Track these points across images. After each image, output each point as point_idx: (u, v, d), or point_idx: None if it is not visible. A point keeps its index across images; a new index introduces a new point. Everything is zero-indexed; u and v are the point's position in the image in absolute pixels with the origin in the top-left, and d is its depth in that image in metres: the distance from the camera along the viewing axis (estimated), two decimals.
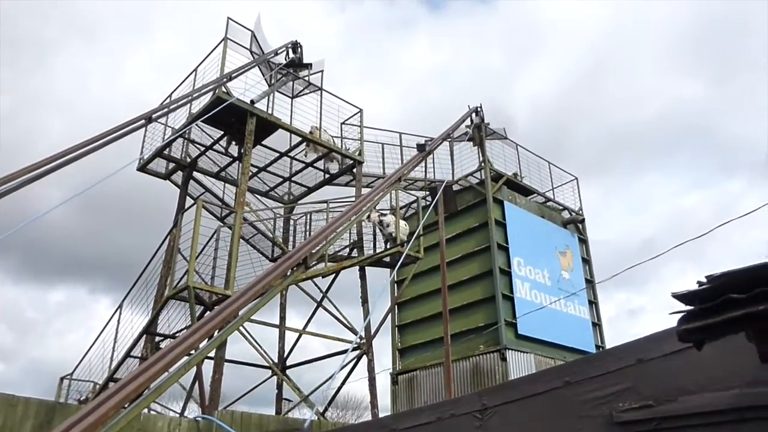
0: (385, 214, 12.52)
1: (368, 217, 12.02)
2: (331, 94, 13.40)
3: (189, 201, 12.73)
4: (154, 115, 8.99)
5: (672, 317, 2.43)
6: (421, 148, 9.94)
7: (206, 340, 4.67)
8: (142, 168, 12.88)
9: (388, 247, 12.37)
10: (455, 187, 14.81)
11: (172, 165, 13.16)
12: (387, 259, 12.60)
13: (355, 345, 11.46)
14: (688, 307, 2.22)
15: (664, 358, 3.51)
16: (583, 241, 16.52)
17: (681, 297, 2.21)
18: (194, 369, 9.73)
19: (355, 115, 13.86)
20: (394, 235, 12.17)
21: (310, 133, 12.73)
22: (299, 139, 12.70)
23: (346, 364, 11.92)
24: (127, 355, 11.32)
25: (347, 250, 13.03)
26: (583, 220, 16.63)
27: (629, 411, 3.51)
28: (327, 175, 14.06)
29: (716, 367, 3.05)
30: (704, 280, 2.20)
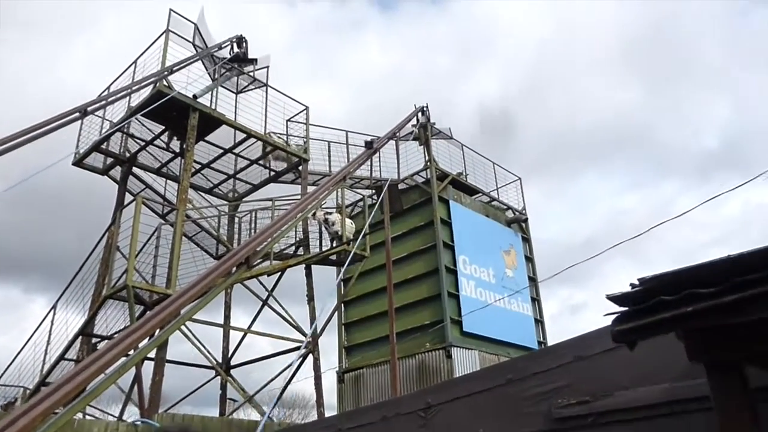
0: (330, 213, 12.51)
1: (314, 215, 12.02)
2: (276, 90, 13.30)
3: (129, 197, 12.41)
4: (89, 108, 8.69)
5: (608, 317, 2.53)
6: (368, 145, 9.98)
7: (146, 339, 4.58)
8: (78, 162, 12.44)
9: (333, 245, 12.39)
10: (401, 186, 14.87)
11: (110, 160, 12.77)
12: (333, 257, 12.60)
13: (303, 349, 11.39)
14: (622, 308, 2.32)
15: (601, 355, 3.66)
16: (527, 240, 16.84)
17: (615, 299, 2.31)
18: (133, 370, 9.55)
19: (301, 112, 13.80)
20: (339, 233, 12.21)
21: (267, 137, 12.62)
22: (243, 135, 12.54)
23: (290, 365, 11.87)
24: (61, 357, 10.96)
25: (293, 248, 12.89)
26: (526, 219, 16.92)
27: (567, 407, 3.64)
28: (272, 173, 13.96)
29: (649, 363, 3.21)
30: (637, 283, 2.30)
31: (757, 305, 1.92)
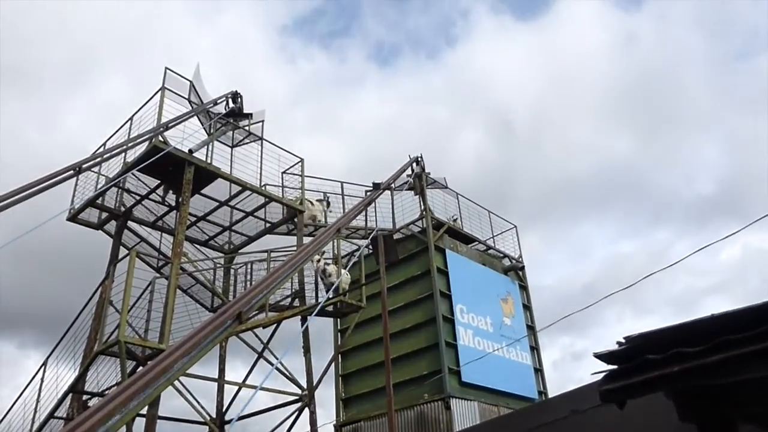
0: (328, 263, 12.49)
1: (317, 260, 12.13)
2: (271, 143, 13.41)
3: (123, 251, 12.32)
4: (84, 165, 8.75)
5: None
6: (376, 186, 10.24)
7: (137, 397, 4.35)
8: (73, 218, 12.44)
9: (330, 296, 12.12)
10: (397, 236, 14.92)
11: (105, 214, 12.80)
12: (329, 308, 12.60)
13: (299, 403, 11.14)
14: (610, 367, 2.30)
15: (596, 409, 3.60)
16: (524, 287, 16.75)
17: (602, 357, 2.28)
18: (124, 428, 9.25)
19: (296, 164, 13.89)
20: (336, 284, 12.06)
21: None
22: (239, 188, 12.61)
23: (286, 419, 11.62)
24: (51, 416, 10.70)
25: (289, 299, 12.87)
26: (523, 267, 16.88)
27: None
28: (268, 224, 13.95)
29: (642, 420, 3.16)
30: (623, 341, 2.29)
31: (743, 365, 1.90)
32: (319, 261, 12.31)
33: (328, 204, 14.70)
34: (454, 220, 15.87)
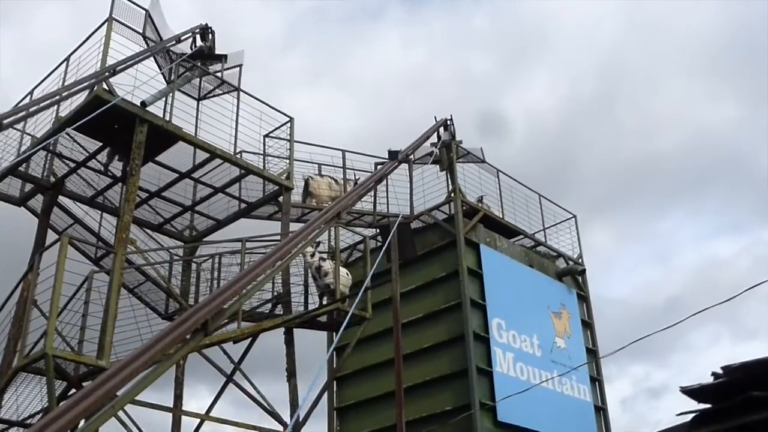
0: (324, 258, 12.49)
1: (312, 255, 12.20)
2: (252, 96, 13.25)
3: (52, 237, 12.26)
4: (5, 121, 8.76)
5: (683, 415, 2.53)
6: (392, 155, 10.27)
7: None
8: None
9: (324, 302, 12.36)
10: (416, 225, 14.64)
11: (29, 186, 12.79)
12: (323, 318, 12.61)
13: None
14: (701, 406, 2.31)
15: None
16: (584, 298, 16.48)
17: (691, 393, 2.30)
18: None
19: (284, 125, 13.76)
20: (332, 287, 12.17)
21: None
22: (206, 155, 12.51)
23: None
24: None
25: (269, 306, 12.94)
26: (584, 270, 16.58)
27: None
28: (243, 205, 13.93)
29: None
30: (720, 372, 2.29)
31: None
32: (312, 255, 12.35)
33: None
34: (480, 201, 15.76)
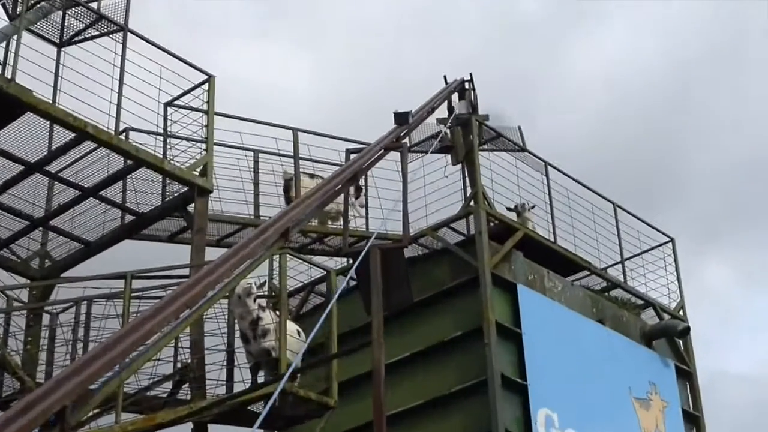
0: (262, 308, 10.44)
1: (241, 294, 10.22)
2: (147, 40, 11.10)
3: None
4: None
5: None
6: (400, 118, 9.07)
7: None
8: None
9: (260, 380, 10.64)
10: (411, 252, 12.48)
11: None
12: (257, 406, 10.67)
13: None
14: None
15: None
16: (687, 374, 14.06)
17: None
18: None
19: (197, 87, 11.56)
20: (274, 353, 10.18)
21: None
22: (72, 135, 10.45)
23: None
24: None
25: (169, 386, 11.13)
26: (688, 329, 13.95)
27: None
28: (129, 218, 12.11)
29: None
30: None
31: None
32: (248, 293, 10.45)
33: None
34: (519, 213, 13.39)
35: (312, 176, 13.44)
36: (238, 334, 10.64)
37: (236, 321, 10.56)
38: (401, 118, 9.13)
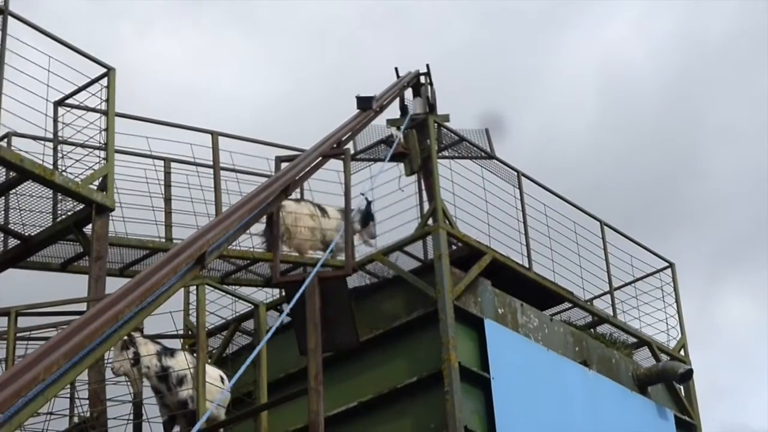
0: (171, 352, 10.13)
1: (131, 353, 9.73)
2: (33, 27, 10.30)
3: None
4: None
5: None
6: (363, 102, 8.88)
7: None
8: None
9: None
10: (357, 281, 12.02)
11: None
12: None
13: None
14: None
15: None
16: (691, 428, 13.06)
17: None
18: None
19: (95, 81, 10.90)
20: (191, 405, 9.54)
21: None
22: None
23: None
24: None
25: None
26: (690, 373, 12.96)
27: None
28: (14, 242, 11.62)
29: None
30: None
31: None
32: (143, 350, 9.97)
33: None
34: (487, 234, 12.61)
35: (298, 201, 12.15)
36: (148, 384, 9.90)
37: (145, 369, 9.74)
38: (365, 102, 8.70)
